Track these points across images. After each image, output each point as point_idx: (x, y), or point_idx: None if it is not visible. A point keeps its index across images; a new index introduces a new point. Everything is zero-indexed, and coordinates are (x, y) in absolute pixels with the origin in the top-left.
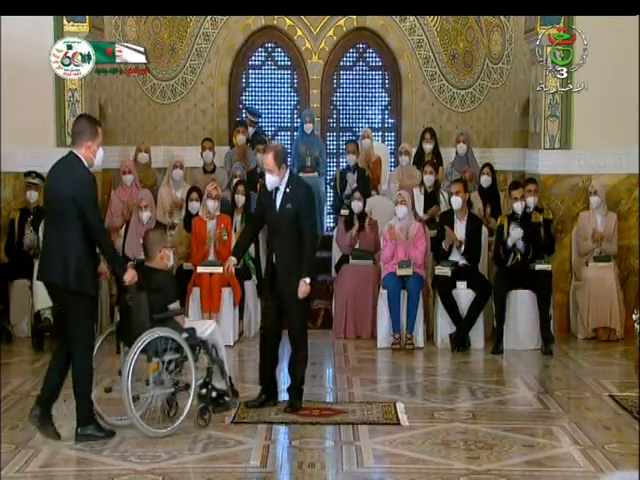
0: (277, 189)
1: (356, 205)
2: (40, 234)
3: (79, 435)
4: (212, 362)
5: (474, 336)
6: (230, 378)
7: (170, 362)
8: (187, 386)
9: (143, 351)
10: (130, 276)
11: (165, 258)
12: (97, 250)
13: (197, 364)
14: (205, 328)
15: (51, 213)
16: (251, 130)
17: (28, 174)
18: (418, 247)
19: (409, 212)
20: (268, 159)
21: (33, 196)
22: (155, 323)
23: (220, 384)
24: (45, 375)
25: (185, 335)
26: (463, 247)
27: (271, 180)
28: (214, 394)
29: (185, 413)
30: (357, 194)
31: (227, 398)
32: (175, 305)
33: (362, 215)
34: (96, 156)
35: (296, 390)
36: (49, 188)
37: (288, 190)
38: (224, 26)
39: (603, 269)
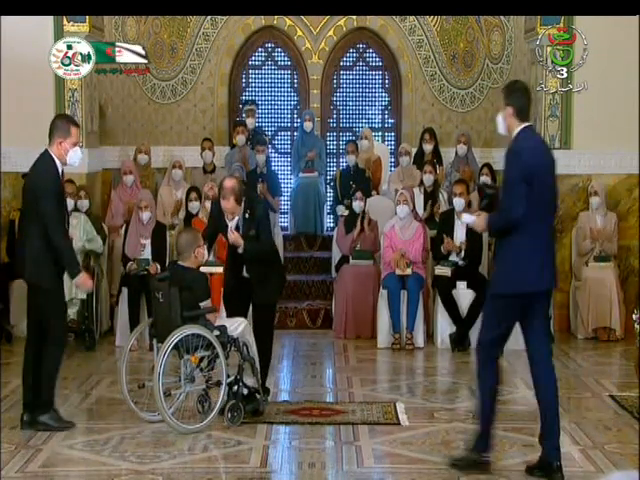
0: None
1: (358, 205)
2: None
3: (37, 422)
4: (243, 360)
5: (474, 336)
6: (261, 375)
7: (202, 359)
8: (218, 383)
9: (174, 348)
10: (81, 280)
11: (200, 256)
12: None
13: (228, 361)
14: (236, 326)
15: (22, 207)
16: (252, 122)
17: (25, 176)
18: (416, 246)
19: (410, 212)
20: (230, 204)
21: None
22: (186, 320)
23: (251, 381)
24: (22, 378)
25: (216, 333)
26: (463, 252)
27: (235, 221)
28: (245, 391)
29: (216, 410)
30: (359, 194)
31: (258, 395)
32: (206, 303)
33: (362, 215)
34: (68, 154)
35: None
36: (23, 184)
37: (247, 216)
38: (224, 26)
39: (603, 269)
